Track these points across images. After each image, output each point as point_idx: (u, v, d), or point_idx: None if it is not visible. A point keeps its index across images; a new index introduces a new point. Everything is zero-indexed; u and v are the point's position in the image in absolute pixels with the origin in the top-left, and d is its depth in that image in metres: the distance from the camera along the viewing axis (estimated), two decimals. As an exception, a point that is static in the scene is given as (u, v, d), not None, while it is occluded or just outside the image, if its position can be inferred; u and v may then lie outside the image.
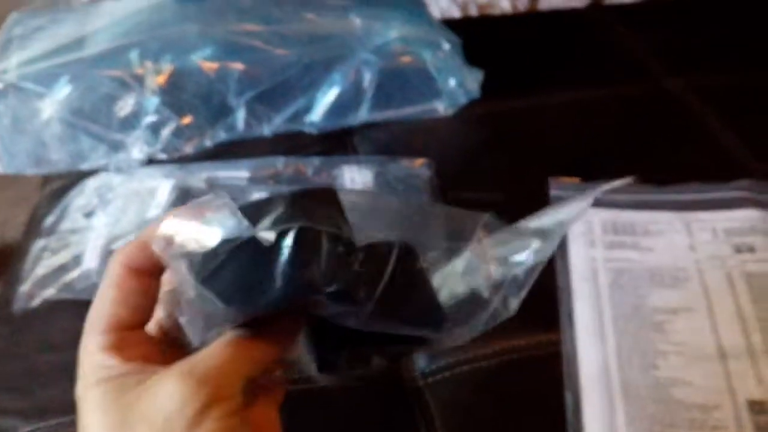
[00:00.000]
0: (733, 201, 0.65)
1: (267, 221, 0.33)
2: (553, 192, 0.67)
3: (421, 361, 0.55)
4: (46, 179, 0.78)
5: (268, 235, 0.32)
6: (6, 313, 0.62)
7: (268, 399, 0.38)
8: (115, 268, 0.36)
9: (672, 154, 0.72)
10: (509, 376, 0.54)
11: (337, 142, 0.76)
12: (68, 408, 0.35)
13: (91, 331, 0.35)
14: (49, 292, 0.61)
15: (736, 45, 0.88)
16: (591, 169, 0.68)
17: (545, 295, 0.58)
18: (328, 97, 0.76)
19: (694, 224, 0.63)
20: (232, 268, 0.33)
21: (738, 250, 0.61)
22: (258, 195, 0.67)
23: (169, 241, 0.34)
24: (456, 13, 1.02)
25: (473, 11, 1.03)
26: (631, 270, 0.60)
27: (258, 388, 0.37)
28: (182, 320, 0.35)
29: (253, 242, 0.32)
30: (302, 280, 0.32)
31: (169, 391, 0.32)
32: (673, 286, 0.58)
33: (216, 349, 0.34)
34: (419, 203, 0.54)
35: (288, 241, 0.32)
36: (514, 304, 0.38)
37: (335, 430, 0.51)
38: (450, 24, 0.83)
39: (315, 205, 0.34)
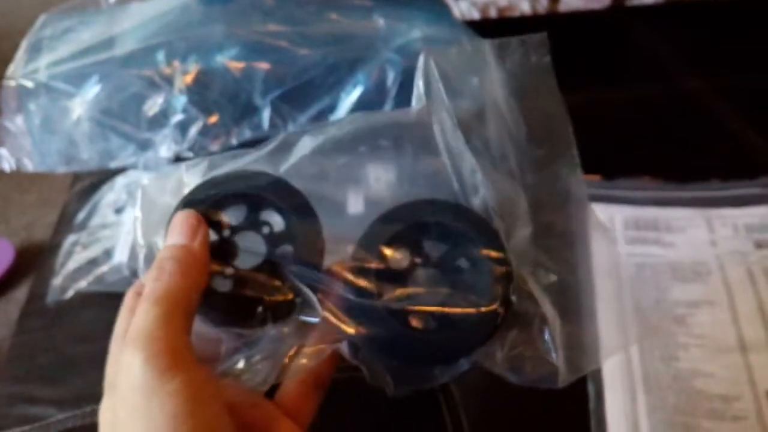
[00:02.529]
0: (754, 197, 0.65)
1: None
2: (575, 189, 0.68)
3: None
4: (76, 177, 0.79)
5: None
6: (40, 306, 0.64)
7: (308, 388, 0.39)
8: (128, 296, 0.39)
9: (693, 153, 0.72)
10: (532, 366, 0.55)
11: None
12: (101, 396, 0.37)
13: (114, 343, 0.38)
14: (81, 285, 0.63)
15: (758, 45, 0.88)
16: (613, 167, 0.69)
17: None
18: (352, 96, 0.77)
19: (715, 220, 0.64)
20: None
21: (759, 245, 0.61)
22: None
23: None
24: (476, 16, 1.03)
25: (493, 14, 1.04)
26: (652, 265, 0.60)
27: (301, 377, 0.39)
28: None
29: None
30: None
31: (121, 366, 0.34)
32: (694, 280, 0.59)
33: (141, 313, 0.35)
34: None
35: None
36: None
37: (360, 417, 0.52)
38: (470, 26, 0.84)
39: None
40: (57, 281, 0.64)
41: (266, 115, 0.76)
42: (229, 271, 0.38)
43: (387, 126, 0.45)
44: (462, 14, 1.01)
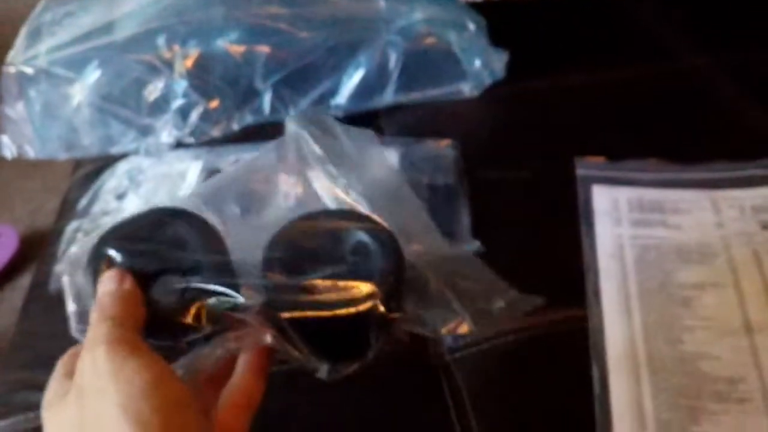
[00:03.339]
0: (760, 179, 0.65)
1: None
2: (580, 171, 0.67)
3: (448, 337, 0.56)
4: (78, 164, 0.79)
5: None
6: (42, 293, 0.64)
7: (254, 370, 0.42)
8: (64, 359, 0.42)
9: (699, 133, 0.72)
10: (536, 350, 0.55)
11: (362, 124, 0.76)
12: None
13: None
14: (84, 272, 0.63)
15: (763, 24, 0.87)
16: (617, 149, 0.68)
17: (571, 272, 0.59)
18: (353, 79, 0.76)
19: (721, 202, 0.63)
20: None
21: (765, 226, 0.61)
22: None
23: None
24: (480, -4, 1.01)
25: (497, -6, 1.03)
26: (657, 247, 0.60)
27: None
28: None
29: None
30: None
31: (83, 365, 0.37)
32: (700, 262, 0.58)
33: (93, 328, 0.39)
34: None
35: None
36: None
37: (365, 407, 0.52)
38: (473, 7, 0.83)
39: None
40: (59, 268, 0.64)
41: (267, 99, 0.76)
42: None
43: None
44: (465, -5, 1.00)
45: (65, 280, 0.45)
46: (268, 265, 0.42)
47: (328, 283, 0.41)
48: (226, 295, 0.41)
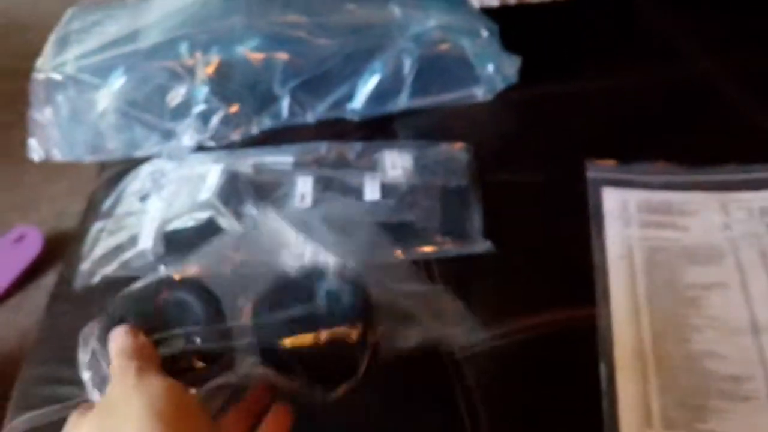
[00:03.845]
0: (769, 181, 0.66)
1: None
2: (591, 174, 0.68)
3: (459, 335, 0.57)
4: (103, 166, 0.81)
5: None
6: (68, 291, 0.66)
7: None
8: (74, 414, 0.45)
9: (708, 136, 0.72)
10: (545, 349, 0.55)
11: (378, 129, 0.78)
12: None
13: None
14: (107, 271, 0.65)
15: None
16: (628, 152, 0.69)
17: (581, 272, 0.60)
18: (369, 84, 0.78)
19: (729, 204, 0.64)
20: None
21: (773, 228, 0.61)
22: (303, 178, 0.70)
23: None
24: (495, 3, 1.02)
25: (512, 1, 1.04)
26: (666, 248, 0.61)
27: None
28: None
29: None
30: None
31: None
32: (707, 263, 0.59)
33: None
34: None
35: None
36: None
37: (376, 403, 0.53)
38: (488, 13, 0.84)
39: None
40: (84, 266, 0.66)
41: (285, 104, 0.77)
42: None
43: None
44: (481, 2, 1.01)
45: (80, 353, 0.50)
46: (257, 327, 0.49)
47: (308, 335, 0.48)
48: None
